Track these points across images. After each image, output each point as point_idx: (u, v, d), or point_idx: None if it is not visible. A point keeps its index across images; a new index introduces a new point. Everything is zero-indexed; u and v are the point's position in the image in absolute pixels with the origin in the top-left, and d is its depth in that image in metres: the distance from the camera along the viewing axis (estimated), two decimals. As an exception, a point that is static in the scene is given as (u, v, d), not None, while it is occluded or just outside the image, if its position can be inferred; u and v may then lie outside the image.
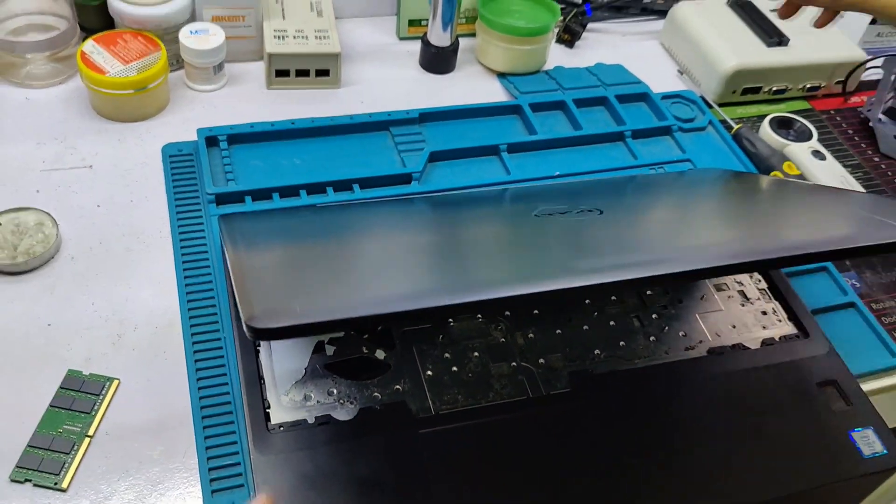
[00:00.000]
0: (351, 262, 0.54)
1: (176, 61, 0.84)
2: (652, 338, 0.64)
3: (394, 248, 0.57)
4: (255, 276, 0.47)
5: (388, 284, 0.48)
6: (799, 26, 0.96)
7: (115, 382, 0.58)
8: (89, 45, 0.77)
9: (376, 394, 0.57)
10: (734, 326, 0.66)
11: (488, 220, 0.67)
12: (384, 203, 0.70)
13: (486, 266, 0.54)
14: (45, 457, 0.54)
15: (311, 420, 0.55)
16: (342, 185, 0.73)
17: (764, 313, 0.68)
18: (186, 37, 0.80)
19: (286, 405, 0.56)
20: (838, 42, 0.96)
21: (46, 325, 0.61)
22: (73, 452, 0.54)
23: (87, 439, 0.55)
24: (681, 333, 0.65)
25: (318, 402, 0.56)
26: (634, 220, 0.63)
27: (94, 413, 0.56)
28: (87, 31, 0.84)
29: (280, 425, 0.54)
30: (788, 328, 0.67)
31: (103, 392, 0.58)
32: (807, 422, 0.61)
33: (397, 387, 0.58)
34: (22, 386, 0.57)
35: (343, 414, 0.56)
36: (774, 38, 0.93)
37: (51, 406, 0.56)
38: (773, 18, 0.96)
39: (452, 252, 0.57)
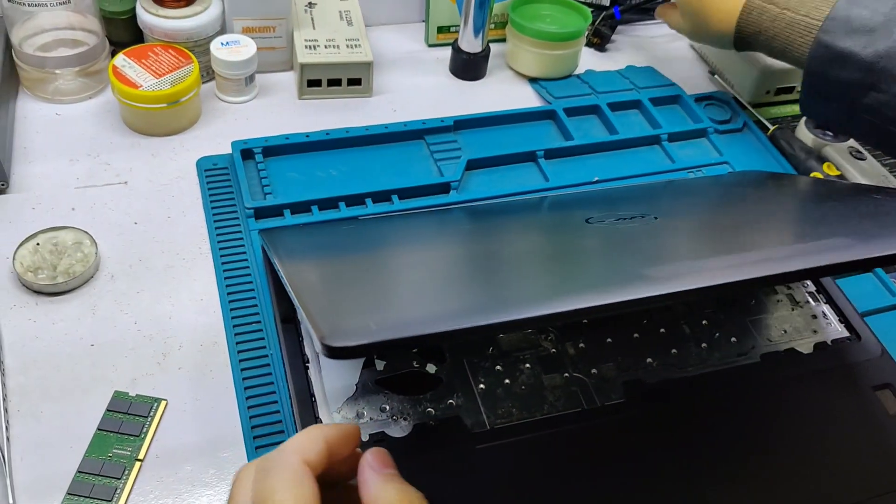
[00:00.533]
0: (409, 275, 0.53)
1: (206, 73, 0.83)
2: (703, 344, 0.63)
3: (447, 260, 0.56)
4: (315, 291, 0.46)
5: (454, 298, 0.46)
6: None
7: (163, 403, 0.57)
8: (121, 60, 0.76)
9: (430, 409, 0.56)
10: (785, 331, 0.65)
11: (539, 228, 0.66)
12: (428, 214, 0.69)
13: (552, 276, 0.52)
14: (97, 483, 0.53)
15: (364, 438, 0.54)
16: (381, 196, 0.72)
17: (814, 317, 0.67)
18: (217, 48, 0.79)
19: (337, 422, 0.54)
20: (871, 39, 0.95)
21: (90, 346, 0.60)
22: (124, 477, 0.53)
23: (137, 463, 0.54)
24: (732, 339, 0.64)
25: (371, 418, 0.55)
26: (688, 227, 0.62)
27: (143, 436, 0.55)
28: (115, 45, 0.83)
29: None
30: (840, 331, 0.66)
31: (151, 413, 0.57)
32: (866, 427, 0.59)
33: (451, 401, 0.57)
34: (68, 410, 0.56)
35: (397, 430, 0.54)
36: (808, 36, 0.92)
37: (99, 430, 0.55)
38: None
39: (511, 262, 0.56)
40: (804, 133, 0.86)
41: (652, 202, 0.70)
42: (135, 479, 0.53)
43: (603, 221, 0.59)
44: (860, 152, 0.84)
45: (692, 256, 0.53)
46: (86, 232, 0.66)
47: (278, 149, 0.75)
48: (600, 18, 0.97)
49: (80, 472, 0.53)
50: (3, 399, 0.56)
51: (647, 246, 0.55)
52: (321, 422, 0.54)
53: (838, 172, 0.82)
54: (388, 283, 0.51)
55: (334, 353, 0.37)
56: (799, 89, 0.91)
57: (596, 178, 0.78)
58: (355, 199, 0.72)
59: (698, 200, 0.72)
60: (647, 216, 0.60)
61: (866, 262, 0.49)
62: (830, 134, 0.86)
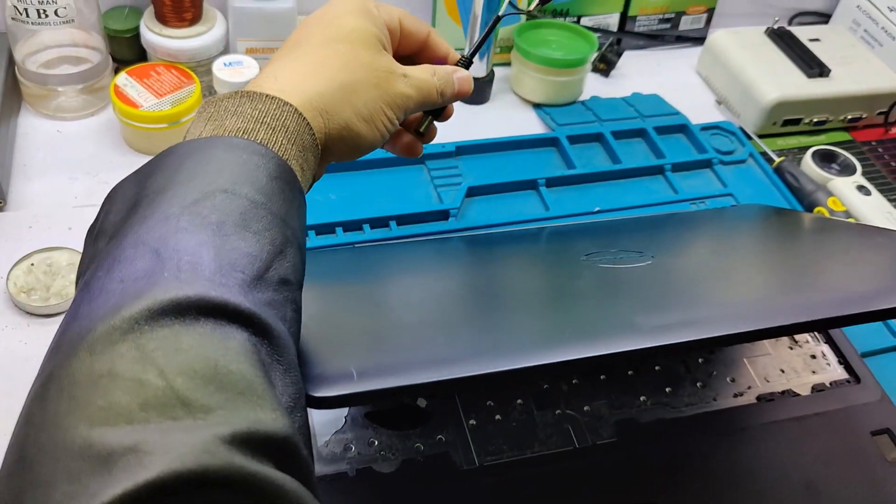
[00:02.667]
0: (398, 313, 0.53)
1: (209, 92, 0.82)
2: (699, 384, 0.62)
3: (440, 297, 0.56)
4: (304, 330, 0.45)
5: (443, 342, 0.46)
6: (839, 57, 0.95)
7: (151, 430, 0.57)
8: (122, 79, 0.76)
9: (419, 444, 0.55)
10: (783, 371, 0.64)
11: (535, 264, 0.65)
12: (425, 244, 0.68)
13: (543, 321, 0.51)
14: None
15: (351, 473, 0.53)
16: (379, 223, 0.72)
17: (813, 357, 0.66)
18: (220, 69, 0.79)
19: (326, 457, 0.54)
20: (880, 72, 0.94)
21: (80, 370, 0.60)
22: None
23: (122, 491, 0.54)
24: (728, 379, 0.63)
25: (358, 453, 0.54)
26: (686, 268, 0.61)
27: (129, 463, 0.55)
28: (119, 63, 0.83)
29: (320, 478, 0.53)
30: (839, 373, 0.65)
31: (138, 440, 0.56)
32: (861, 474, 0.59)
33: (440, 437, 0.56)
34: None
35: (385, 466, 0.54)
36: (815, 68, 0.91)
37: (85, 455, 0.55)
38: (813, 48, 0.94)
39: (504, 302, 0.55)
40: (810, 166, 0.85)
41: (653, 238, 0.69)
42: None
43: (601, 259, 0.58)
44: (866, 188, 0.83)
45: (688, 303, 0.52)
46: (80, 253, 0.66)
47: (277, 171, 0.75)
48: (607, 45, 0.96)
49: (63, 499, 0.53)
50: (-10, 422, 0.56)
51: (644, 290, 0.54)
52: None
53: (844, 208, 0.81)
54: (378, 323, 0.50)
55: (315, 402, 0.37)
56: (807, 121, 0.91)
57: (597, 209, 0.77)
58: (353, 225, 0.71)
59: (699, 237, 0.71)
60: (645, 254, 0.59)
61: (873, 315, 0.49)
62: (837, 168, 0.85)
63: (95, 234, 0.39)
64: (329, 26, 0.48)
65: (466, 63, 0.55)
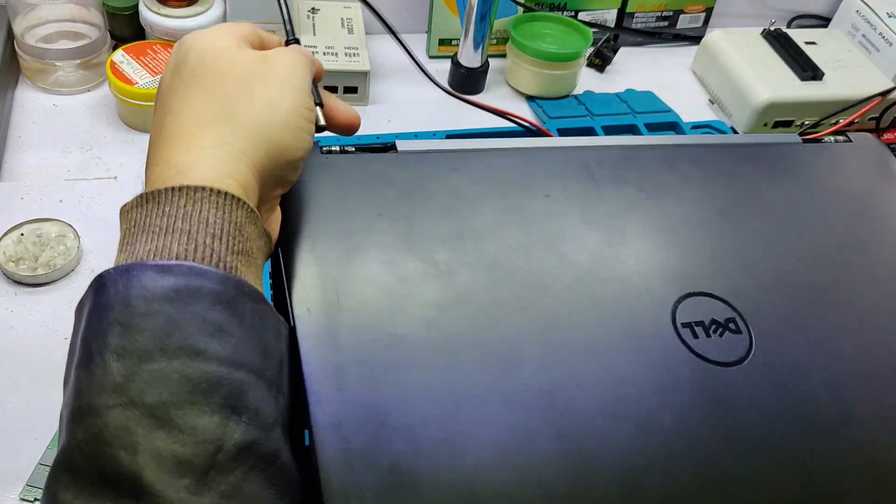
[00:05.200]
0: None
1: (204, 73, 0.83)
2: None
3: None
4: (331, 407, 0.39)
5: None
6: (834, 61, 0.95)
7: (131, 401, 0.58)
8: (119, 55, 0.77)
9: None
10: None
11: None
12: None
13: None
14: (57, 476, 0.53)
15: None
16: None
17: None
18: (216, 50, 0.79)
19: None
20: (873, 77, 0.95)
21: (64, 340, 0.60)
22: (85, 472, 0.54)
23: (99, 459, 0.55)
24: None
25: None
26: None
27: (107, 432, 0.56)
28: (118, 40, 0.84)
29: None
30: None
31: (118, 410, 0.57)
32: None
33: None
34: (36, 402, 0.57)
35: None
36: (809, 71, 0.92)
37: (65, 423, 0.56)
38: (808, 51, 0.95)
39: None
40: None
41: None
42: (95, 476, 0.54)
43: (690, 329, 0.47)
44: (852, 191, 0.83)
45: None
46: (70, 225, 0.67)
47: (269, 153, 0.76)
48: (603, 40, 0.97)
49: (41, 464, 0.54)
50: (-27, 387, 0.57)
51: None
52: None
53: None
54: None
55: None
56: (798, 123, 0.91)
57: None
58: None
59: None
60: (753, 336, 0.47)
61: None
62: (824, 170, 0.85)
63: (71, 349, 0.36)
64: (182, 73, 0.42)
65: (296, 41, 0.50)
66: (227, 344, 0.34)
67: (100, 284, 0.35)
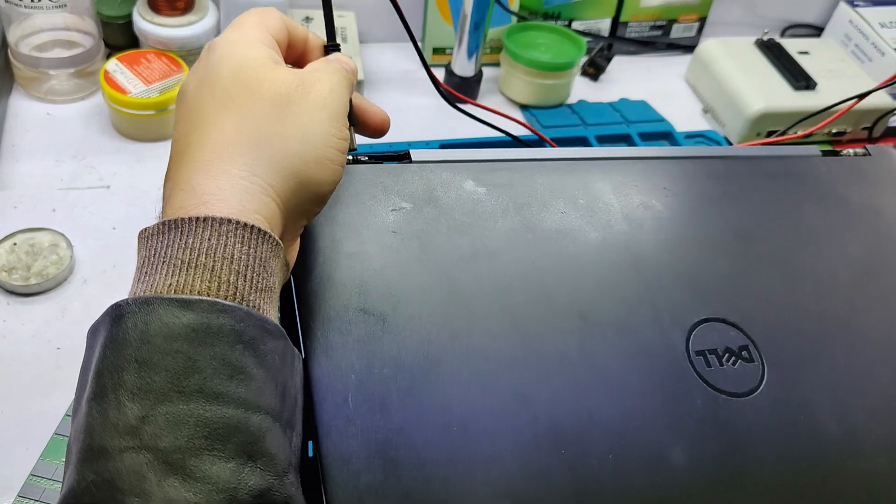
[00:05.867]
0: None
1: (198, 82, 0.83)
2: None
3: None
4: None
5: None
6: (827, 70, 0.95)
7: (123, 411, 0.58)
8: (112, 64, 0.77)
9: None
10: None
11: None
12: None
13: None
14: (48, 487, 0.53)
15: None
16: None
17: None
18: (210, 59, 0.79)
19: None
20: (865, 87, 0.95)
21: (56, 350, 0.61)
22: (76, 483, 0.53)
23: (91, 469, 0.54)
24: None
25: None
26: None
27: (99, 442, 0.56)
28: (112, 48, 0.84)
29: None
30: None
31: (110, 421, 0.57)
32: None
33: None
34: (28, 411, 0.57)
35: None
36: (802, 81, 0.92)
37: (56, 434, 0.56)
38: (801, 61, 0.95)
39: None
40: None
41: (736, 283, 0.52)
42: (86, 487, 0.54)
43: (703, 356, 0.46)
44: (844, 201, 0.84)
45: None
46: (63, 234, 0.67)
47: (262, 162, 0.76)
48: (597, 50, 0.97)
49: (33, 474, 0.54)
50: (-35, 398, 0.56)
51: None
52: None
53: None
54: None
55: None
56: (791, 133, 0.92)
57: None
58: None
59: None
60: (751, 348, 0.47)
61: None
62: (816, 180, 0.86)
63: (82, 376, 0.35)
64: (214, 87, 0.40)
65: (337, 47, 0.47)
66: (246, 387, 0.33)
67: (117, 315, 0.33)
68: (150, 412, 0.31)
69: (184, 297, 0.33)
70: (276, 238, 0.37)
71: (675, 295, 0.48)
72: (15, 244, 0.66)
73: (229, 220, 0.35)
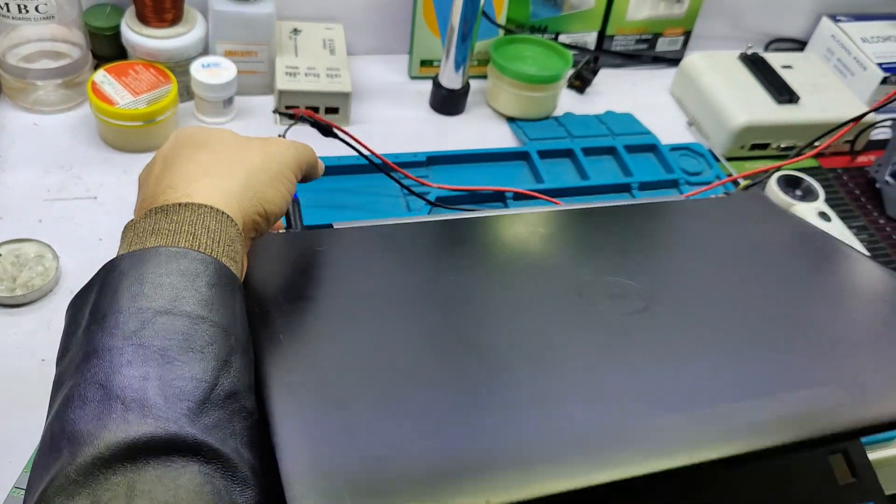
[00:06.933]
0: (392, 384, 0.45)
1: (186, 92, 0.83)
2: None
3: (424, 346, 0.49)
4: (293, 417, 0.41)
5: (449, 438, 0.41)
6: (810, 84, 0.97)
7: (108, 423, 0.58)
8: (100, 75, 0.77)
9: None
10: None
11: (525, 294, 0.56)
12: (401, 239, 0.62)
13: (588, 415, 0.44)
14: (33, 499, 0.53)
15: None
16: (346, 228, 0.73)
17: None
18: (198, 70, 0.80)
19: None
20: (848, 101, 0.96)
21: (41, 362, 0.61)
22: (60, 495, 0.53)
23: (75, 481, 0.54)
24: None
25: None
26: (686, 322, 0.54)
27: (84, 454, 0.56)
28: (99, 59, 0.84)
29: None
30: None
31: (95, 432, 0.57)
32: (814, 497, 0.58)
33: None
34: (11, 424, 0.57)
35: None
36: (785, 95, 0.93)
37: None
38: (785, 75, 0.96)
39: (520, 376, 0.47)
40: (774, 191, 0.86)
41: (644, 255, 0.63)
42: (71, 499, 0.54)
43: (596, 304, 0.53)
44: (827, 214, 0.85)
45: (715, 397, 0.46)
46: (49, 245, 0.67)
47: (249, 174, 0.76)
48: (583, 63, 0.98)
49: (16, 487, 0.53)
50: (-51, 409, 0.56)
51: (652, 367, 0.48)
52: None
53: (804, 232, 0.83)
54: (375, 405, 0.44)
55: None
56: (774, 146, 0.93)
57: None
58: (318, 229, 0.72)
59: (702, 252, 0.64)
60: (641, 286, 0.54)
61: None
62: (800, 193, 0.87)
63: (63, 350, 0.41)
64: (189, 141, 0.49)
65: None
66: (221, 315, 0.40)
67: (111, 266, 0.41)
68: (143, 325, 0.38)
69: (173, 248, 0.41)
70: (239, 228, 0.45)
71: None
72: (0, 255, 0.66)
73: (204, 205, 0.44)
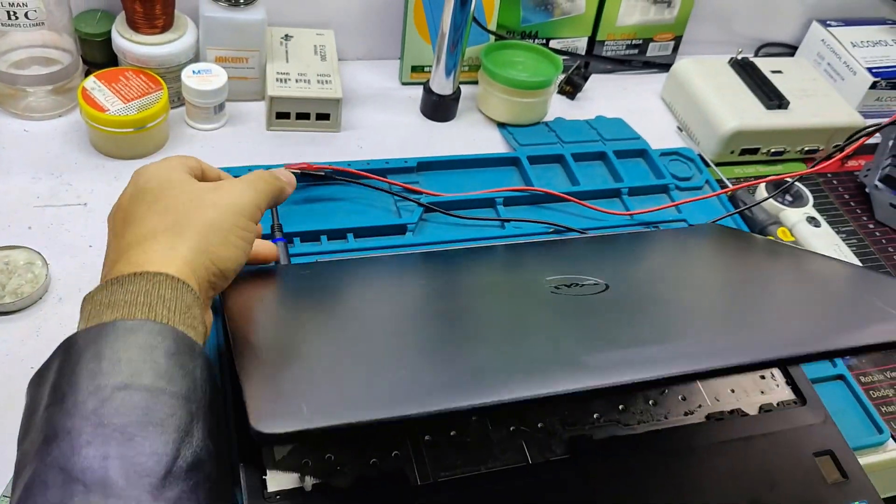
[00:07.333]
0: (352, 340, 0.52)
1: (177, 98, 0.83)
2: (651, 401, 0.63)
3: (396, 323, 0.56)
4: (257, 360, 0.46)
5: (397, 375, 0.46)
6: (799, 89, 0.97)
7: (102, 432, 0.57)
8: (91, 82, 0.76)
9: (374, 460, 0.55)
10: (733, 391, 0.65)
11: (494, 288, 0.65)
12: (383, 261, 0.68)
13: (498, 353, 0.51)
14: (24, 509, 0.52)
15: (307, 488, 0.53)
16: (336, 234, 0.73)
17: (762, 377, 0.67)
18: (189, 76, 0.79)
19: (282, 472, 0.53)
20: (837, 106, 0.97)
21: (30, 369, 0.59)
22: (54, 505, 0.53)
23: (69, 491, 0.54)
24: (680, 397, 0.64)
25: (314, 468, 0.54)
26: (644, 297, 0.62)
27: (78, 464, 0.55)
28: (90, 66, 0.83)
29: (277, 494, 0.52)
30: (786, 394, 0.66)
31: (88, 442, 0.56)
32: (803, 495, 0.60)
33: (396, 452, 0.56)
34: (0, 430, 0.56)
35: (340, 480, 0.54)
36: (775, 100, 0.93)
37: (34, 455, 0.55)
38: (774, 80, 0.97)
39: (460, 331, 0.55)
40: (763, 196, 0.87)
41: (609, 260, 0.70)
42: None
43: (559, 283, 0.59)
44: (816, 219, 0.85)
45: (646, 338, 0.53)
46: (38, 252, 0.66)
47: (240, 180, 0.76)
48: (574, 68, 0.98)
49: (4, 496, 0.53)
50: (-61, 419, 0.55)
51: (600, 322, 0.55)
52: (265, 471, 0.52)
53: (793, 238, 0.83)
54: (329, 351, 0.50)
55: (263, 438, 0.37)
56: (764, 151, 0.93)
57: (552, 229, 0.78)
58: (310, 236, 0.72)
59: (656, 261, 0.72)
60: (602, 281, 0.60)
61: (828, 354, 0.51)
62: (789, 198, 0.87)
63: (24, 432, 0.42)
64: (145, 196, 0.51)
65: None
66: (181, 384, 0.41)
67: (69, 343, 0.42)
68: (102, 403, 0.38)
69: (129, 321, 0.42)
70: (196, 293, 0.46)
71: None
72: (-10, 263, 0.65)
73: (159, 273, 0.45)
